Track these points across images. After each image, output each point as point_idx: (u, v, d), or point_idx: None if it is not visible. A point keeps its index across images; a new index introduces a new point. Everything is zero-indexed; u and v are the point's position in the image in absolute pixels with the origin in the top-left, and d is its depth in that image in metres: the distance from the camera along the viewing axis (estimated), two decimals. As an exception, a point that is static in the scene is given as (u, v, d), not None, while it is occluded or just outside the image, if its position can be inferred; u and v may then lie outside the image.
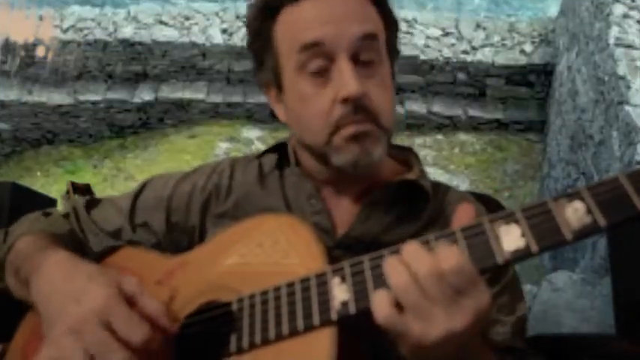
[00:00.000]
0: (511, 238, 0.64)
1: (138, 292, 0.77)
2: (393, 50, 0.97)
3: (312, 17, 0.87)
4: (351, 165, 0.89)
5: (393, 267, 0.66)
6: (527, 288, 2.52)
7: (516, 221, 0.64)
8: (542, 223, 0.63)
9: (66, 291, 0.80)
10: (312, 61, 0.87)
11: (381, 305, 0.66)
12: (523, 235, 0.63)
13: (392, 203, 0.97)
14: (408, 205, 0.98)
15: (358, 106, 0.86)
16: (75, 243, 1.04)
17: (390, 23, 0.96)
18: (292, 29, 0.89)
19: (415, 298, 0.64)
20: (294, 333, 0.73)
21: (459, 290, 0.64)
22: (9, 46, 5.47)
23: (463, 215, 0.69)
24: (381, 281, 0.68)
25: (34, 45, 5.50)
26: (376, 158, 0.89)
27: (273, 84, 0.97)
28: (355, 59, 0.87)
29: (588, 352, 1.51)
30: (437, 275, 0.64)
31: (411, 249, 0.67)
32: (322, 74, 0.87)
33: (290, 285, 0.76)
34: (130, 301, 0.76)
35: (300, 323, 0.73)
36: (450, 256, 0.64)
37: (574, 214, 0.61)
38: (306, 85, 0.89)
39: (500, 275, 0.95)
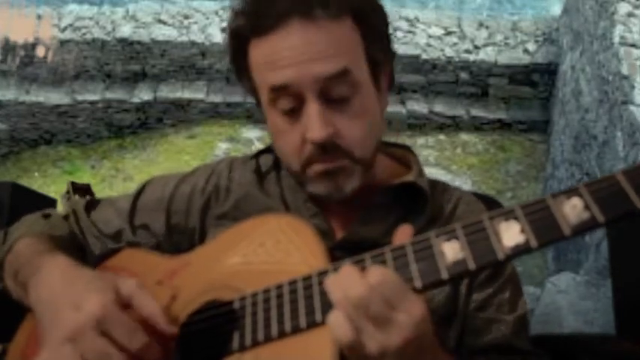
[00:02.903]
0: (511, 234, 0.65)
1: (136, 294, 0.77)
2: (378, 55, 0.92)
3: (276, 57, 0.85)
4: (324, 197, 0.91)
5: (331, 288, 0.69)
6: (530, 290, 2.55)
7: (515, 218, 0.66)
8: (541, 219, 0.64)
9: (64, 297, 0.80)
10: (282, 100, 0.87)
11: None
12: (522, 231, 0.65)
13: (391, 206, 0.97)
14: (407, 207, 0.97)
15: (327, 147, 0.86)
16: (75, 245, 1.05)
17: (370, 29, 0.90)
18: (261, 66, 0.88)
19: (355, 317, 0.66)
20: (296, 330, 0.74)
21: (391, 305, 0.66)
22: (8, 46, 5.47)
23: (402, 238, 0.72)
24: None
25: (34, 45, 5.51)
26: (349, 191, 0.90)
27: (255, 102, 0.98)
28: (325, 96, 0.85)
29: (588, 352, 1.52)
30: (367, 292, 0.66)
31: (345, 270, 0.69)
32: (294, 111, 0.87)
33: (292, 283, 0.77)
34: (128, 305, 0.77)
35: (302, 321, 0.74)
36: (376, 271, 0.67)
37: (572, 210, 0.63)
38: (279, 120, 0.89)
39: (499, 272, 0.95)
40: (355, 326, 0.66)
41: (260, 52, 0.87)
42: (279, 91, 0.86)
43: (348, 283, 0.67)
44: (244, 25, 0.88)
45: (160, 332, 0.76)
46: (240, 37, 0.89)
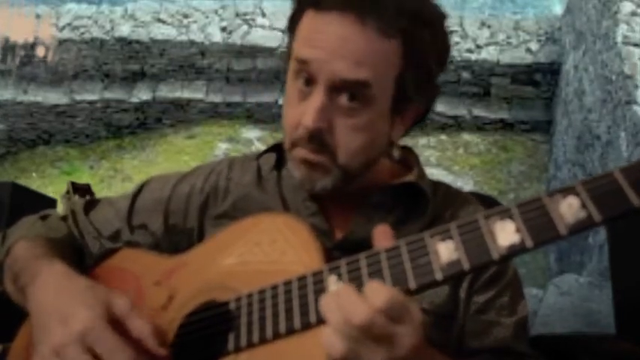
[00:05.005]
0: (506, 233, 0.65)
1: (126, 314, 0.78)
2: (410, 87, 0.90)
3: (316, 35, 0.87)
4: (298, 182, 0.93)
5: (329, 309, 0.68)
6: (533, 292, 2.54)
7: (511, 217, 0.65)
8: (536, 218, 0.64)
9: (54, 309, 0.82)
10: (302, 74, 0.88)
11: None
12: (518, 230, 0.64)
13: (391, 206, 0.97)
14: (408, 208, 0.97)
15: (314, 137, 0.87)
16: (73, 246, 1.06)
17: (414, 59, 0.89)
18: (302, 37, 0.90)
19: (356, 338, 0.65)
20: (291, 331, 0.74)
21: (394, 321, 0.65)
22: (8, 46, 5.48)
23: (382, 239, 0.72)
24: (377, 279, 0.70)
25: (33, 44, 5.54)
26: (319, 189, 0.91)
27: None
28: (338, 90, 0.86)
29: (588, 352, 1.53)
30: (372, 315, 0.64)
31: (344, 292, 0.68)
32: (308, 88, 0.88)
33: (287, 283, 0.77)
34: (118, 323, 0.78)
35: (297, 322, 0.74)
36: (379, 293, 0.65)
37: (569, 209, 0.62)
38: (293, 93, 0.90)
39: (500, 275, 0.95)
40: (353, 345, 0.66)
41: (308, 23, 0.89)
42: (300, 64, 0.88)
43: (349, 307, 0.66)
44: None
45: (148, 351, 0.77)
46: (301, 2, 0.91)
